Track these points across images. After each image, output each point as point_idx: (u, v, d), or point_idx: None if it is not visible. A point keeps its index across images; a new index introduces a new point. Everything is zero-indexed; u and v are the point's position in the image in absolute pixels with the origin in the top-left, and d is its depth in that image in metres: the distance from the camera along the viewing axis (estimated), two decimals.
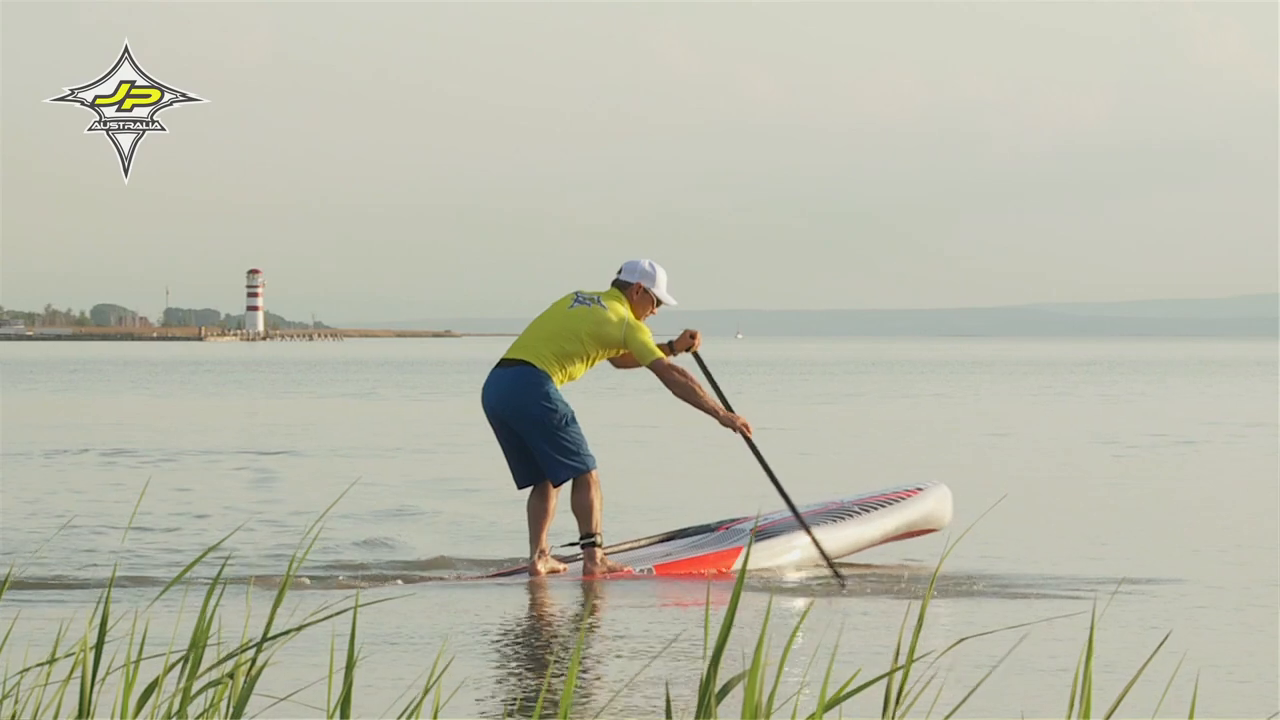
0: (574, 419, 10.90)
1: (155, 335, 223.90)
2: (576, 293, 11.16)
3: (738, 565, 11.36)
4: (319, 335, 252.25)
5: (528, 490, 10.92)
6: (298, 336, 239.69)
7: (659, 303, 11.20)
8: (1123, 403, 39.90)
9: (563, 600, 10.29)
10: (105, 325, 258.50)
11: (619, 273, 11.28)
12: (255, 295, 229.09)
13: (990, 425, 30.39)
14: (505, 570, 11.13)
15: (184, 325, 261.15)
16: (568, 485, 10.91)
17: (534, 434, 10.80)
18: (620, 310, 11.05)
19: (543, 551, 10.90)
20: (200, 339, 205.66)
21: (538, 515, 10.92)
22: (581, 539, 10.93)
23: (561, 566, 10.96)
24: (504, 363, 10.97)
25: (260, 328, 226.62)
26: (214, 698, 3.85)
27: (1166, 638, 5.73)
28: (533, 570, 10.86)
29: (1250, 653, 8.41)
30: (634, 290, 11.18)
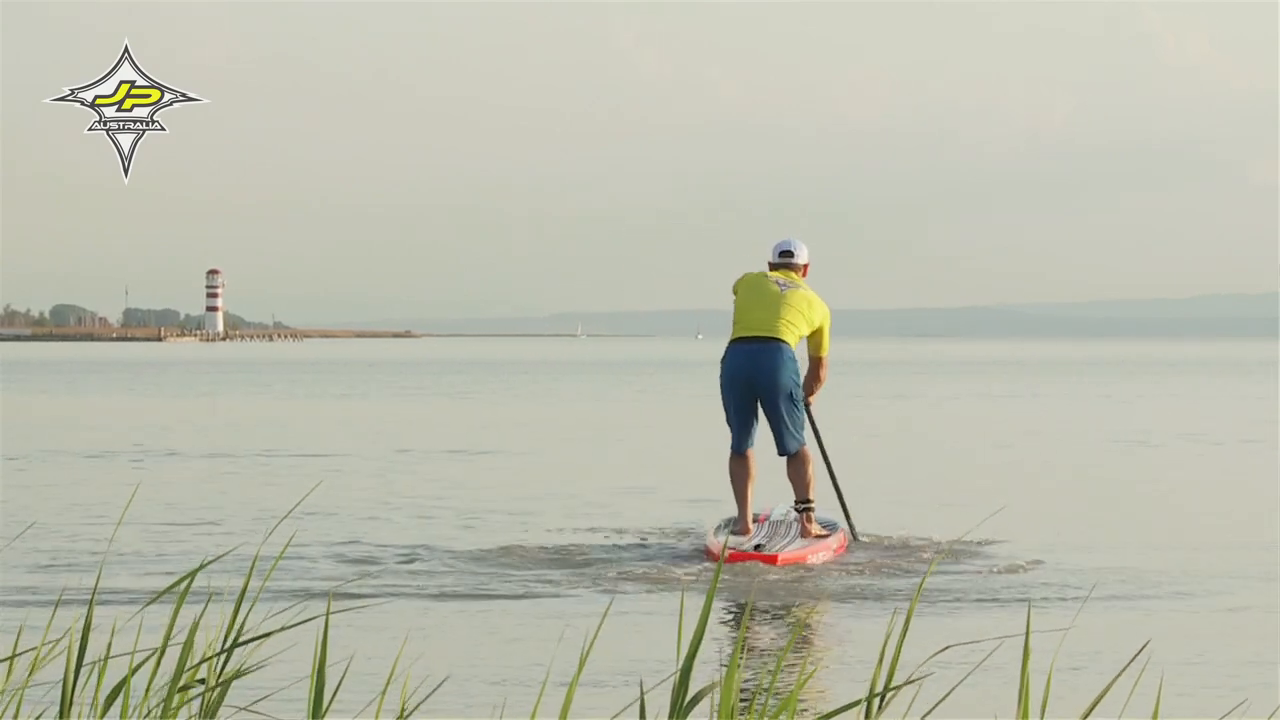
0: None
1: (115, 336, 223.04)
2: (768, 276, 11.98)
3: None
4: (279, 336, 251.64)
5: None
6: (257, 337, 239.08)
7: None
8: (1109, 403, 40.00)
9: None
10: (65, 325, 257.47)
11: (783, 255, 12.10)
12: (215, 295, 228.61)
13: (977, 428, 30.39)
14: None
15: (143, 325, 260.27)
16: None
17: (780, 406, 11.75)
18: (813, 294, 11.98)
19: (755, 517, 11.97)
20: (160, 339, 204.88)
21: (747, 479, 11.85)
22: (799, 503, 11.97)
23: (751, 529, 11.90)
24: (756, 339, 11.70)
25: (220, 328, 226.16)
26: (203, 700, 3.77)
27: (1144, 645, 5.66)
28: (744, 530, 11.79)
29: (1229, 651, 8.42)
30: (805, 270, 12.15)
